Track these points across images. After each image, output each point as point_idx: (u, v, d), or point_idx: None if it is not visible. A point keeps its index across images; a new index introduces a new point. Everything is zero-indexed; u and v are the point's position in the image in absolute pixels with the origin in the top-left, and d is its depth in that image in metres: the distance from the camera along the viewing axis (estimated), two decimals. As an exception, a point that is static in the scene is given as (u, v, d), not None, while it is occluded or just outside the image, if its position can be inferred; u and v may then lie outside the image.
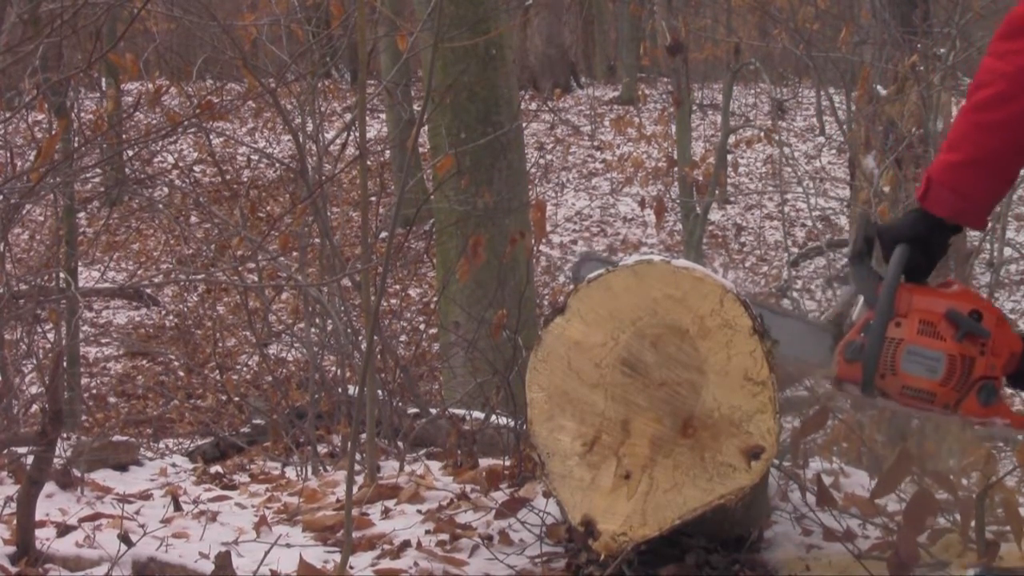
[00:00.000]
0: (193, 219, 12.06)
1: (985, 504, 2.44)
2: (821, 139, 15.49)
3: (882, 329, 2.15)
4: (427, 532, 2.66)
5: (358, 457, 3.42)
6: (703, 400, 2.27)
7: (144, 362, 10.68)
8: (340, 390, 4.36)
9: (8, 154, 5.62)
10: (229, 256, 5.87)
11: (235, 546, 2.63)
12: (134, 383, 10.11)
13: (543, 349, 2.33)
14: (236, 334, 10.41)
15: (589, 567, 2.41)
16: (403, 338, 5.80)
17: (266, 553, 2.45)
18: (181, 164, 12.08)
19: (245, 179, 13.98)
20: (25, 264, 8.53)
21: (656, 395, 2.28)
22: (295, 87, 5.48)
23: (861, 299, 2.23)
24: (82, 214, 11.79)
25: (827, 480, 2.70)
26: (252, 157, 13.90)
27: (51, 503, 2.89)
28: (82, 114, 9.13)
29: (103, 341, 10.92)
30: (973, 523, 2.46)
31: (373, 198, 6.87)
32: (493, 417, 3.77)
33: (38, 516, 2.58)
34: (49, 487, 2.95)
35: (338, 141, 6.27)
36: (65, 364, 3.89)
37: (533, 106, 17.41)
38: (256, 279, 5.55)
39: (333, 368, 4.86)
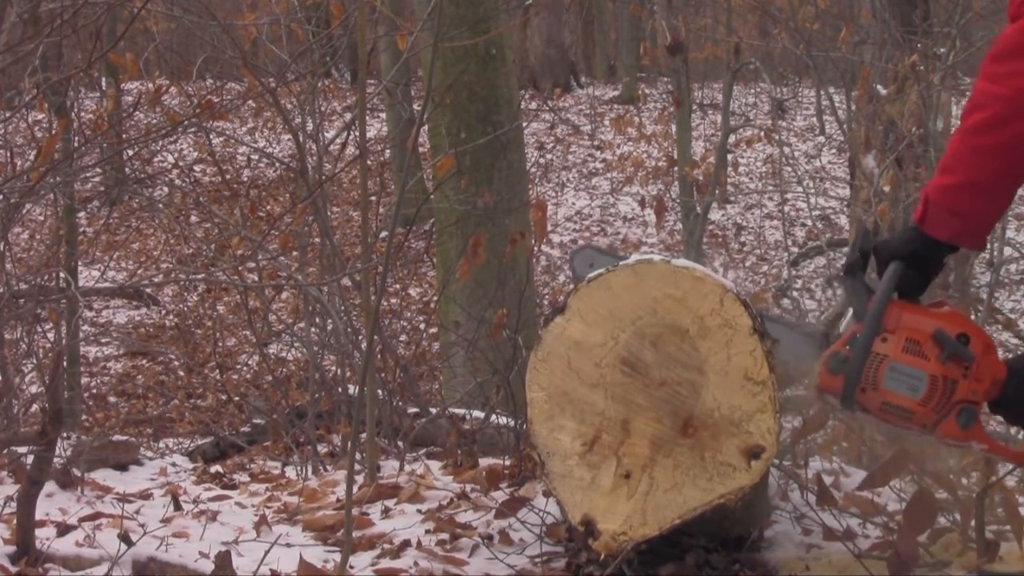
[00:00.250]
0: (193, 219, 12.07)
1: (985, 504, 2.44)
2: (821, 139, 15.49)
3: (868, 343, 2.16)
4: (427, 532, 2.66)
5: (358, 457, 3.42)
6: (703, 400, 2.27)
7: (144, 362, 10.68)
8: (340, 390, 4.36)
9: (8, 154, 5.62)
10: (229, 256, 5.87)
11: (235, 546, 2.63)
12: (134, 383, 10.11)
13: (543, 349, 2.33)
14: (236, 334, 10.42)
15: (589, 567, 2.41)
16: (403, 338, 5.80)
17: (266, 553, 2.45)
18: (181, 164, 12.09)
19: (245, 179, 13.98)
20: (25, 264, 8.53)
21: (656, 395, 2.28)
22: (295, 87, 5.48)
23: (850, 312, 2.24)
24: (82, 214, 11.80)
25: (827, 480, 2.70)
26: (252, 157, 13.90)
27: (51, 503, 2.89)
28: (82, 114, 9.14)
29: (103, 341, 10.93)
30: (973, 523, 2.46)
31: (373, 198, 6.87)
32: (493, 417, 3.77)
33: (38, 516, 2.59)
34: (49, 487, 2.95)
35: (338, 141, 6.27)
36: (65, 364, 3.88)
37: (533, 106, 17.41)
38: (256, 279, 5.55)
39: (333, 368, 4.86)
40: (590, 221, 14.19)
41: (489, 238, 5.55)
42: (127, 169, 9.31)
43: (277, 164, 10.59)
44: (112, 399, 9.69)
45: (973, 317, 6.44)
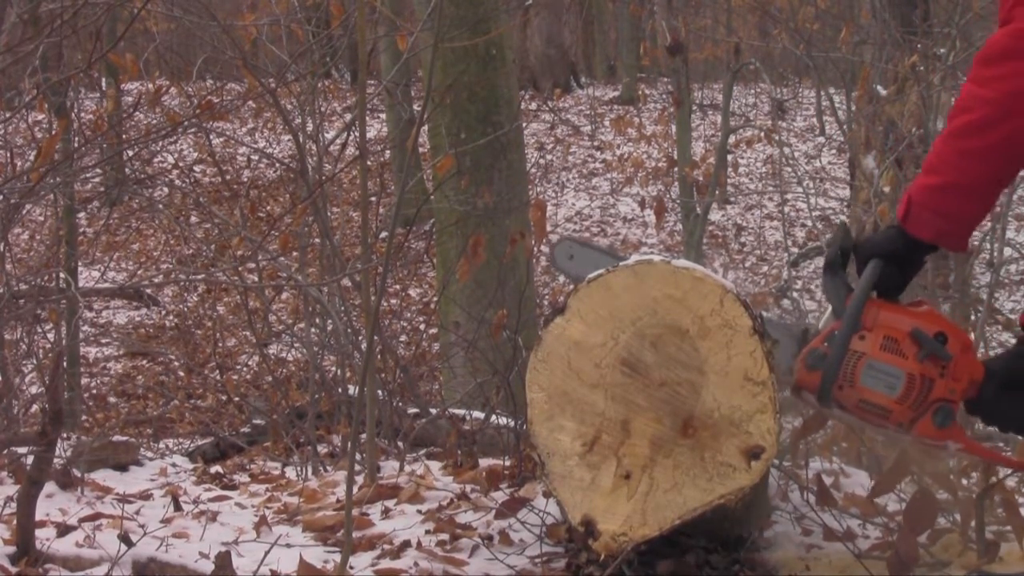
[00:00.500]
0: (193, 219, 12.07)
1: (985, 504, 2.44)
2: (821, 139, 15.49)
3: (846, 341, 2.16)
4: (427, 532, 2.66)
5: (358, 457, 3.42)
6: (703, 400, 2.27)
7: (144, 362, 10.68)
8: (340, 390, 4.36)
9: (8, 154, 5.62)
10: (229, 256, 5.87)
11: (235, 546, 2.63)
12: (134, 383, 10.11)
13: (543, 349, 2.33)
14: (236, 334, 10.42)
15: (589, 567, 2.41)
16: (403, 338, 5.80)
17: (266, 553, 2.45)
18: (181, 164, 12.09)
19: (245, 179, 13.98)
20: (25, 264, 8.53)
21: (656, 395, 2.28)
22: (295, 87, 5.48)
23: (830, 308, 2.24)
24: (82, 214, 11.80)
25: (827, 480, 2.70)
26: (252, 157, 13.90)
27: (51, 503, 2.89)
28: (82, 114, 9.14)
29: (103, 341, 10.93)
30: (973, 523, 2.46)
31: (373, 198, 6.87)
32: (493, 417, 3.77)
33: (38, 516, 2.58)
34: (49, 487, 2.95)
35: (338, 141, 6.27)
36: (65, 364, 3.88)
37: (533, 106, 17.42)
38: (256, 279, 5.55)
39: (333, 368, 4.86)
40: (590, 221, 14.19)
41: (489, 238, 5.55)
42: (127, 169, 9.31)
43: (277, 164, 10.60)
44: (112, 399, 9.69)
45: (973, 317, 6.44)
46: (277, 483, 3.47)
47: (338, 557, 2.46)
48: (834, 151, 14.86)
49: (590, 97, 18.46)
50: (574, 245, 2.59)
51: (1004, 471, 2.45)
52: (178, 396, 9.51)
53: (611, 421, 2.30)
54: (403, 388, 4.30)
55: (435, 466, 3.31)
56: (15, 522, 2.53)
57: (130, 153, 7.51)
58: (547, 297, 9.38)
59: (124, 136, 8.31)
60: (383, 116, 14.34)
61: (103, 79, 12.15)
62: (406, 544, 2.59)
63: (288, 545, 2.61)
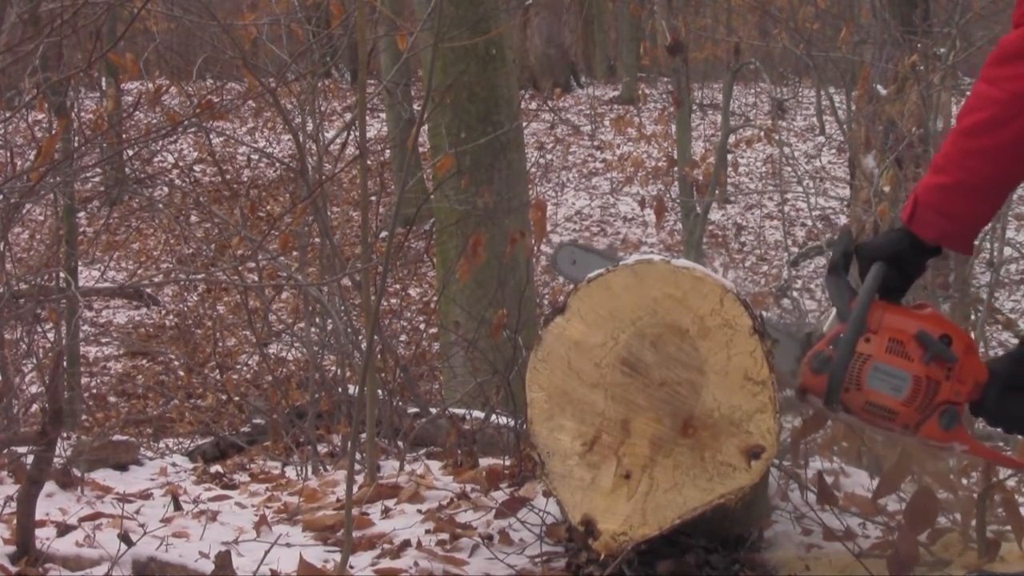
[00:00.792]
0: (193, 219, 12.07)
1: (985, 504, 2.44)
2: (821, 139, 15.49)
3: (852, 343, 2.16)
4: (427, 532, 2.66)
5: (358, 457, 3.42)
6: (703, 400, 2.27)
7: (144, 362, 10.68)
8: (340, 390, 4.36)
9: (8, 154, 5.62)
10: (229, 256, 5.87)
11: (235, 546, 2.63)
12: (134, 383, 10.11)
13: (543, 349, 2.33)
14: (236, 334, 10.41)
15: (589, 567, 2.41)
16: (403, 338, 5.80)
17: (266, 553, 2.45)
18: (181, 164, 12.09)
19: (245, 179, 13.98)
20: (25, 264, 8.54)
21: (656, 395, 2.28)
22: (295, 87, 5.48)
23: (833, 311, 2.24)
24: (82, 214, 11.79)
25: (827, 480, 2.70)
26: (252, 157, 13.90)
27: (51, 503, 2.89)
28: (82, 114, 9.14)
29: (103, 341, 10.93)
30: (973, 523, 2.46)
31: (373, 198, 6.87)
32: (493, 417, 3.77)
33: (38, 516, 2.58)
34: (49, 487, 2.95)
35: (338, 141, 6.27)
36: (65, 364, 3.88)
37: (533, 106, 17.41)
38: (256, 279, 5.55)
39: (333, 368, 4.86)
40: (590, 221, 14.19)
41: (489, 238, 5.55)
42: (127, 169, 9.31)
43: (277, 164, 10.60)
44: (112, 399, 9.69)
45: (973, 317, 6.45)
46: (277, 483, 3.47)
47: (338, 557, 2.46)
48: (834, 151, 14.86)
49: (590, 97, 18.45)
50: (577, 250, 2.59)
51: (1005, 471, 2.45)
52: (178, 396, 9.51)
53: (611, 421, 2.30)
54: (403, 388, 4.30)
55: (435, 466, 3.31)
56: (15, 522, 2.53)
57: (130, 153, 7.51)
58: (547, 297, 9.38)
59: (124, 136, 8.30)
60: (383, 116, 14.33)
61: (103, 79, 12.15)
62: (406, 544, 2.59)
63: (288, 545, 2.60)
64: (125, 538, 2.52)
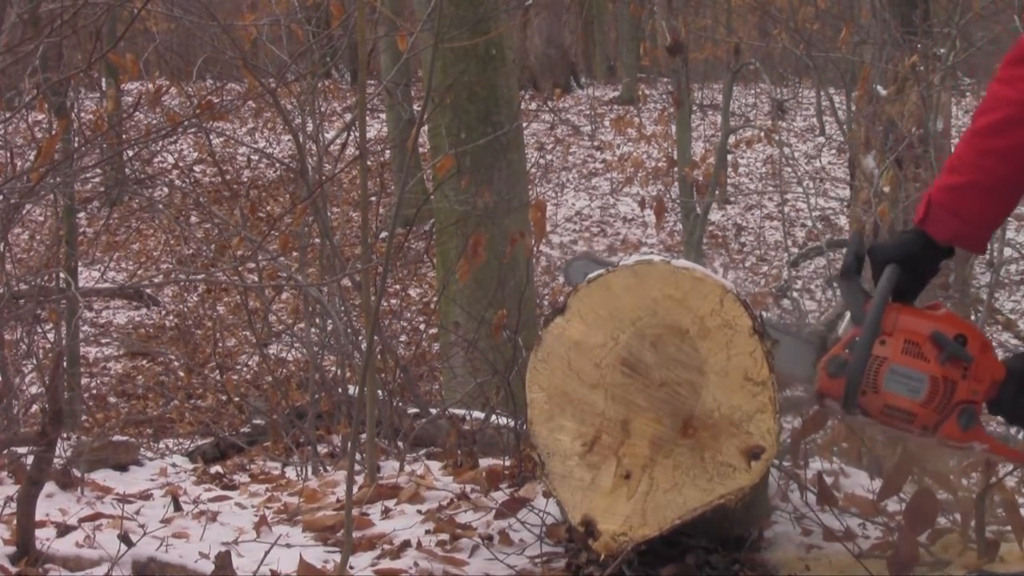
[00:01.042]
0: (193, 219, 12.06)
1: (985, 504, 2.44)
2: (821, 139, 15.49)
3: (868, 347, 2.16)
4: (427, 532, 2.66)
5: (358, 457, 3.42)
6: (703, 400, 2.27)
7: (144, 362, 10.68)
8: (340, 390, 4.36)
9: (8, 154, 5.62)
10: (229, 256, 5.87)
11: (235, 546, 2.63)
12: (134, 383, 10.11)
13: (543, 349, 2.33)
14: (236, 334, 10.41)
15: (589, 567, 2.41)
16: (403, 338, 5.80)
17: (266, 553, 2.45)
18: (181, 164, 12.09)
19: (245, 179, 13.98)
20: (25, 264, 8.54)
21: (656, 395, 2.28)
22: (295, 87, 5.48)
23: (848, 315, 2.24)
24: (82, 214, 11.80)
25: (827, 480, 2.70)
26: (252, 157, 13.90)
27: (51, 503, 2.89)
28: (82, 114, 9.14)
29: (103, 341, 10.92)
30: (973, 523, 2.46)
31: (373, 198, 6.87)
32: (493, 417, 3.77)
33: (38, 516, 2.58)
34: (49, 487, 2.95)
35: (338, 141, 6.27)
36: (65, 364, 3.88)
37: (533, 106, 17.41)
38: (256, 279, 5.55)
39: (333, 368, 4.86)
40: (590, 222, 14.19)
41: (489, 238, 5.54)
42: (127, 169, 9.31)
43: (277, 164, 10.59)
44: (112, 399, 9.68)
45: (973, 317, 6.44)
46: (277, 483, 3.47)
47: (338, 557, 2.46)
48: (834, 151, 14.85)
49: (590, 97, 18.46)
50: (591, 263, 2.57)
51: (1004, 470, 2.45)
52: (178, 396, 9.51)
53: (611, 421, 2.30)
54: (403, 388, 4.30)
55: (435, 466, 3.31)
56: (15, 522, 2.53)
57: (130, 153, 7.51)
58: (547, 297, 9.38)
59: (124, 136, 8.30)
60: (383, 116, 14.33)
61: (103, 79, 12.15)
62: (406, 544, 2.59)
63: (288, 545, 2.60)
64: (125, 538, 2.52)
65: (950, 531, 2.51)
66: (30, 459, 2.74)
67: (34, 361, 5.01)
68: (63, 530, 2.65)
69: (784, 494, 2.71)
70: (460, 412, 4.03)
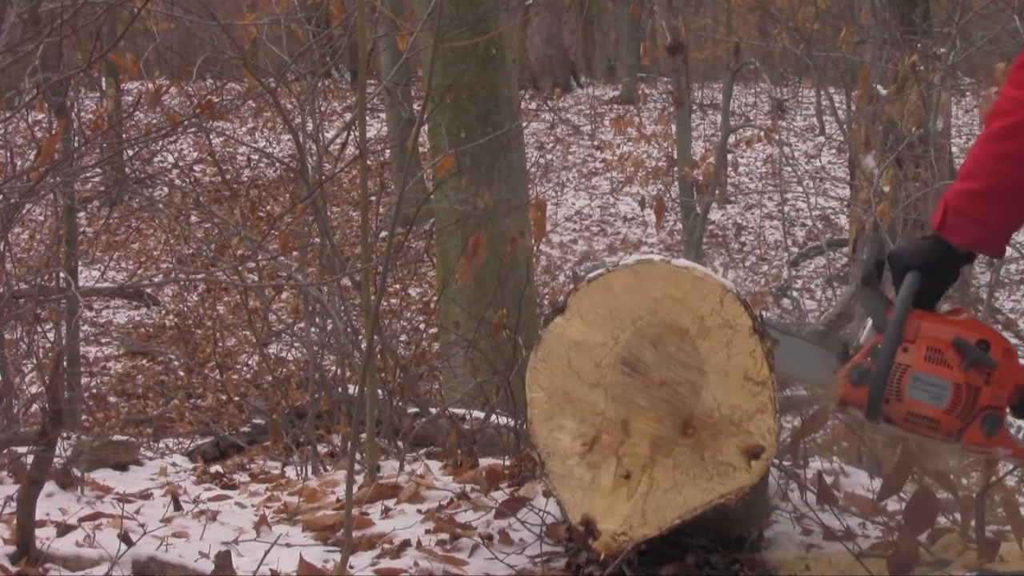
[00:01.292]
0: (193, 219, 12.07)
1: (985, 504, 2.44)
2: (821, 139, 15.49)
3: (891, 355, 2.15)
4: (427, 532, 2.66)
5: (358, 457, 3.41)
6: (703, 400, 2.27)
7: (144, 362, 10.68)
8: (340, 390, 4.36)
9: (8, 154, 5.62)
10: (229, 256, 5.87)
11: (235, 546, 2.63)
12: (134, 383, 10.11)
13: (543, 349, 2.33)
14: (236, 334, 10.42)
15: (589, 567, 2.41)
16: (403, 338, 5.79)
17: (266, 553, 2.45)
18: (181, 164, 12.09)
19: (245, 179, 13.99)
20: (25, 264, 8.54)
21: (656, 395, 2.28)
22: (295, 87, 5.48)
23: (869, 322, 2.23)
24: (82, 214, 11.80)
25: (827, 480, 2.70)
26: (252, 157, 13.91)
27: (51, 503, 2.89)
28: (82, 114, 9.14)
29: (103, 341, 10.93)
30: (973, 523, 2.46)
31: (373, 198, 6.87)
32: (493, 417, 3.77)
33: (38, 516, 2.58)
34: (49, 487, 2.95)
35: (338, 141, 6.27)
36: (65, 364, 3.89)
37: (533, 106, 17.42)
38: (256, 279, 5.54)
39: (333, 368, 4.86)
40: (590, 221, 14.19)
41: (489, 238, 5.54)
42: (127, 169, 9.32)
43: (277, 164, 10.60)
44: (112, 399, 9.69)
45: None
46: (277, 483, 3.47)
47: (338, 557, 2.46)
48: (834, 151, 14.86)
49: (590, 97, 18.46)
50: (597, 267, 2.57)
51: (1004, 470, 2.45)
52: (178, 396, 9.51)
53: (611, 421, 2.30)
54: (403, 388, 4.30)
55: (435, 466, 3.31)
56: (15, 522, 2.53)
57: (130, 153, 7.52)
58: (547, 297, 9.39)
59: (124, 136, 8.30)
60: (383, 116, 14.34)
61: (103, 79, 12.16)
62: (406, 544, 2.59)
63: (288, 545, 2.60)
64: (125, 538, 2.52)
65: (950, 531, 2.51)
66: (30, 459, 2.74)
67: (34, 361, 5.01)
68: (63, 530, 2.65)
69: (784, 494, 2.71)
70: (460, 412, 4.03)
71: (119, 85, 11.29)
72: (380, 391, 3.80)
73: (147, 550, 2.51)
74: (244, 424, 5.29)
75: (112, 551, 2.49)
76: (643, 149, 15.98)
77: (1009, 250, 2.33)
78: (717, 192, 11.07)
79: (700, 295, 2.27)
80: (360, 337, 4.65)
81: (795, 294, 8.86)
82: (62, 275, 5.69)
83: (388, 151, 12.26)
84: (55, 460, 2.88)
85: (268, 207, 13.25)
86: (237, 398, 7.47)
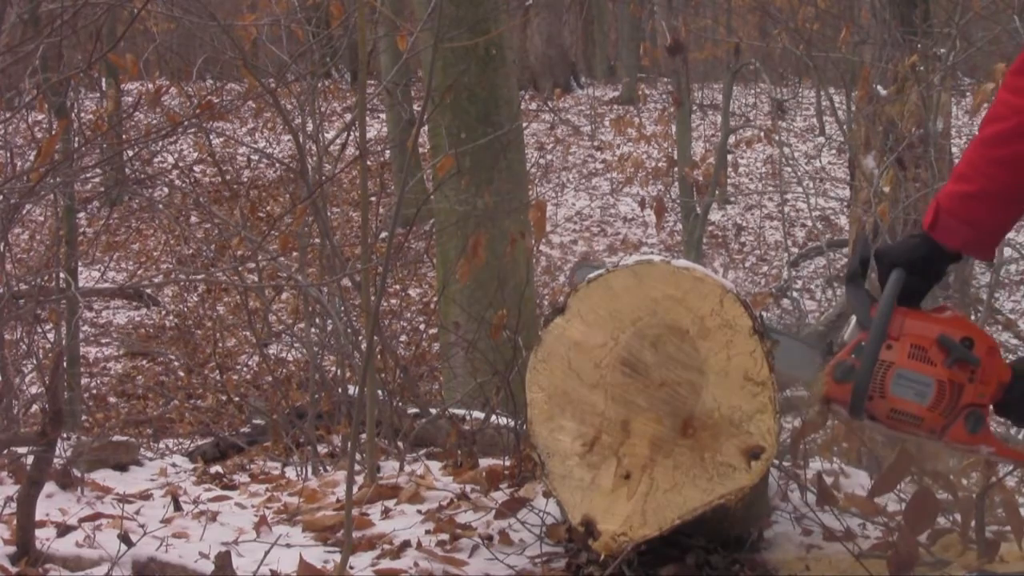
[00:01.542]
0: (193, 219, 12.07)
1: (985, 504, 2.44)
2: (821, 139, 15.49)
3: (875, 352, 2.16)
4: (427, 532, 2.66)
5: (358, 457, 3.42)
6: (703, 400, 2.27)
7: (144, 362, 10.68)
8: (340, 390, 4.36)
9: (8, 154, 5.62)
10: (229, 256, 5.87)
11: (235, 546, 2.63)
12: (134, 383, 10.11)
13: (543, 349, 2.33)
14: (236, 334, 10.42)
15: (589, 567, 2.41)
16: (403, 338, 5.80)
17: (266, 553, 2.45)
18: (181, 164, 12.09)
19: (245, 179, 13.99)
20: (25, 264, 8.54)
21: (656, 395, 2.28)
22: (295, 87, 5.48)
23: (853, 319, 2.23)
24: (82, 214, 11.80)
25: (827, 480, 2.70)
26: (252, 157, 13.90)
27: (51, 503, 2.89)
28: (82, 114, 9.14)
29: (103, 341, 10.93)
30: (973, 523, 2.46)
31: (373, 198, 6.87)
32: (493, 417, 3.77)
33: (38, 516, 2.58)
34: (49, 487, 2.95)
35: (338, 141, 6.27)
36: (65, 364, 3.88)
37: (533, 106, 17.42)
38: (256, 279, 5.55)
39: (333, 368, 4.86)
40: (590, 222, 14.19)
41: (489, 238, 5.55)
42: (127, 169, 9.31)
43: (277, 164, 10.60)
44: (112, 399, 9.69)
45: (973, 317, 6.44)
46: (277, 483, 3.47)
47: (338, 557, 2.46)
48: (834, 151, 14.86)
49: (590, 97, 18.46)
50: (593, 270, 2.56)
51: (1004, 470, 2.45)
52: (178, 396, 9.51)
53: (611, 421, 2.30)
54: (403, 388, 4.30)
55: (435, 466, 3.31)
56: (15, 522, 2.53)
57: (130, 153, 7.51)
58: (547, 297, 9.39)
59: (124, 136, 8.31)
60: (383, 116, 14.34)
61: (103, 79, 12.15)
62: (406, 544, 2.59)
63: (288, 545, 2.60)
64: (125, 538, 2.52)
65: (950, 531, 2.51)
66: (30, 459, 2.74)
67: (34, 361, 5.01)
68: (63, 530, 2.65)
69: (784, 494, 2.72)
70: (460, 412, 4.03)
71: (119, 85, 11.30)
72: (380, 391, 3.80)
73: (147, 550, 2.51)
74: (244, 424, 5.29)
75: (112, 551, 2.49)
76: (643, 149, 15.98)
77: (1009, 250, 2.34)
78: (717, 192, 11.07)
79: (700, 295, 2.27)
80: (360, 337, 4.66)
81: (795, 294, 8.85)
82: (62, 275, 5.69)
83: (388, 151, 12.26)
84: (55, 460, 2.88)
85: (268, 207, 13.26)
86: (237, 398, 7.47)
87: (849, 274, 2.24)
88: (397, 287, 8.52)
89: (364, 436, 3.32)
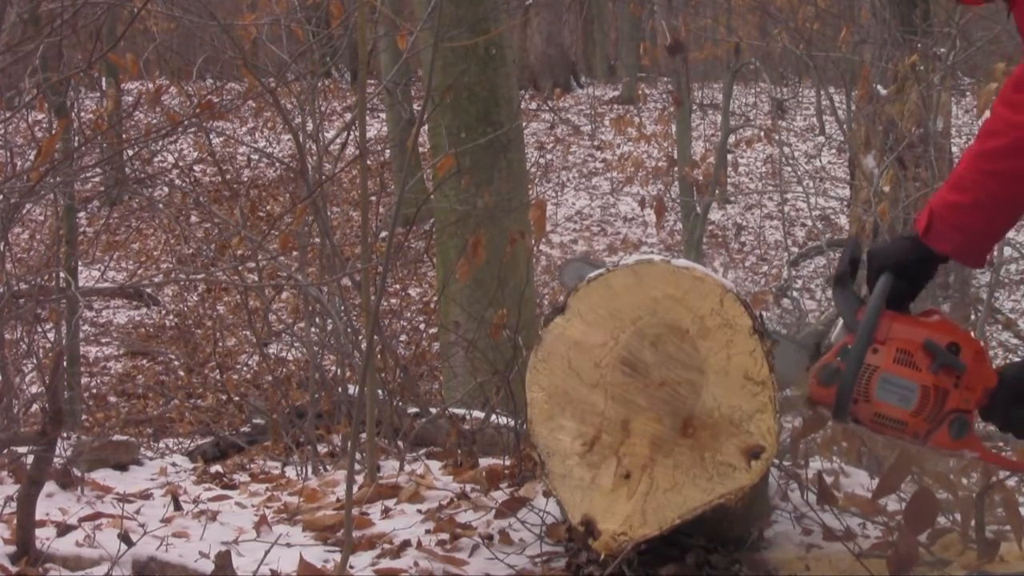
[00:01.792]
0: (193, 219, 12.07)
1: (985, 504, 2.44)
2: (821, 139, 15.49)
3: (860, 355, 2.16)
4: (427, 532, 2.66)
5: (358, 457, 3.41)
6: (703, 400, 2.27)
7: (144, 362, 10.68)
8: (340, 390, 4.36)
9: (8, 154, 5.62)
10: (229, 256, 5.87)
11: (235, 546, 2.63)
12: (134, 383, 10.11)
13: (543, 349, 2.33)
14: (236, 334, 10.42)
15: (589, 567, 2.41)
16: (403, 338, 5.80)
17: (266, 553, 2.45)
18: (181, 164, 12.08)
19: (245, 179, 13.98)
20: (25, 264, 8.53)
21: (656, 395, 2.28)
22: (295, 87, 5.48)
23: (840, 322, 2.23)
24: (82, 214, 11.79)
25: (827, 480, 2.70)
26: (252, 157, 13.90)
27: (51, 503, 2.89)
28: (82, 114, 9.14)
29: (103, 341, 10.93)
30: (973, 523, 2.46)
31: (373, 198, 6.87)
32: (493, 417, 3.77)
33: (38, 516, 2.58)
34: (49, 487, 2.95)
35: (338, 141, 6.27)
36: (65, 364, 3.89)
37: (533, 106, 17.42)
38: (256, 279, 5.54)
39: (333, 368, 4.86)
40: (590, 221, 14.19)
41: (489, 238, 5.54)
42: (127, 169, 9.31)
43: (277, 164, 10.60)
44: (112, 399, 9.69)
45: (973, 317, 6.44)
46: (277, 483, 3.47)
47: (338, 557, 2.46)
48: (834, 151, 14.86)
49: (590, 97, 18.46)
50: (585, 266, 2.57)
51: (1005, 471, 2.45)
52: (178, 396, 9.52)
53: (611, 421, 2.30)
54: (403, 388, 4.30)
55: (435, 466, 3.31)
56: (15, 522, 2.53)
57: (130, 153, 7.51)
58: (547, 297, 9.38)
59: (124, 136, 8.30)
60: (383, 116, 14.34)
61: (103, 79, 12.15)
62: (406, 544, 2.59)
63: (288, 545, 2.61)
64: (125, 538, 2.52)
65: (950, 531, 2.51)
66: (30, 459, 2.74)
67: (34, 361, 5.01)
68: (63, 530, 2.65)
69: (784, 494, 2.72)
70: (460, 412, 4.03)
71: (119, 85, 11.29)
72: (380, 391, 3.80)
73: (147, 550, 2.51)
74: (244, 424, 5.29)
75: (112, 551, 2.49)
76: (643, 149, 15.98)
77: (1009, 250, 2.35)
78: (717, 192, 11.07)
79: (700, 295, 2.27)
80: (360, 337, 4.65)
81: (795, 294, 8.85)
82: (62, 275, 5.69)
83: (388, 151, 12.26)
84: (55, 460, 2.88)
85: (268, 207, 13.26)
86: (237, 398, 7.47)
87: (837, 276, 2.24)
88: (397, 287, 8.52)
89: (364, 436, 3.32)
